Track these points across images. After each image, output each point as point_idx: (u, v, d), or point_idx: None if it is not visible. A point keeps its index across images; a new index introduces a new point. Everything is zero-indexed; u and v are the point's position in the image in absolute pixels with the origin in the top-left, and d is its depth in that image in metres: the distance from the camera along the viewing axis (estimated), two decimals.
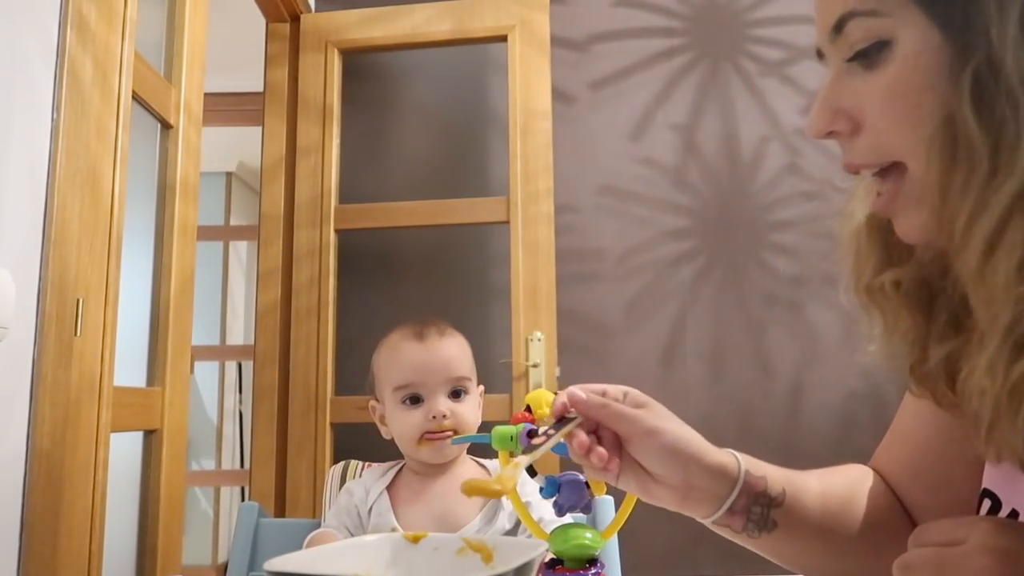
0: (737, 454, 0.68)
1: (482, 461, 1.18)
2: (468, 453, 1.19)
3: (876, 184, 0.58)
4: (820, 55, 0.61)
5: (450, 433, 1.11)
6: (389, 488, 1.14)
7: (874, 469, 0.77)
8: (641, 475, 0.66)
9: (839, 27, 0.55)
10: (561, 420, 0.66)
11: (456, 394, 1.14)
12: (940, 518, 0.70)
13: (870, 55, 0.54)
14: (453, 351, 1.15)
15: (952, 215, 0.51)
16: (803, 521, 0.68)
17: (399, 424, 1.13)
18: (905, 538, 0.70)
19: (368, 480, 1.16)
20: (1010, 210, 0.48)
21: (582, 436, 0.65)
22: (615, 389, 0.69)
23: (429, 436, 1.11)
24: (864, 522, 0.70)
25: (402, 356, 1.14)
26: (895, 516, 0.72)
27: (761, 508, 0.66)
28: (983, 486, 0.62)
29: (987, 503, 0.61)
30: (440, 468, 1.14)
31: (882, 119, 0.55)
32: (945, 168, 0.51)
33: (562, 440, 0.65)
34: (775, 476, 0.68)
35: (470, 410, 1.14)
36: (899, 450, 0.75)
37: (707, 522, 0.68)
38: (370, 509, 1.12)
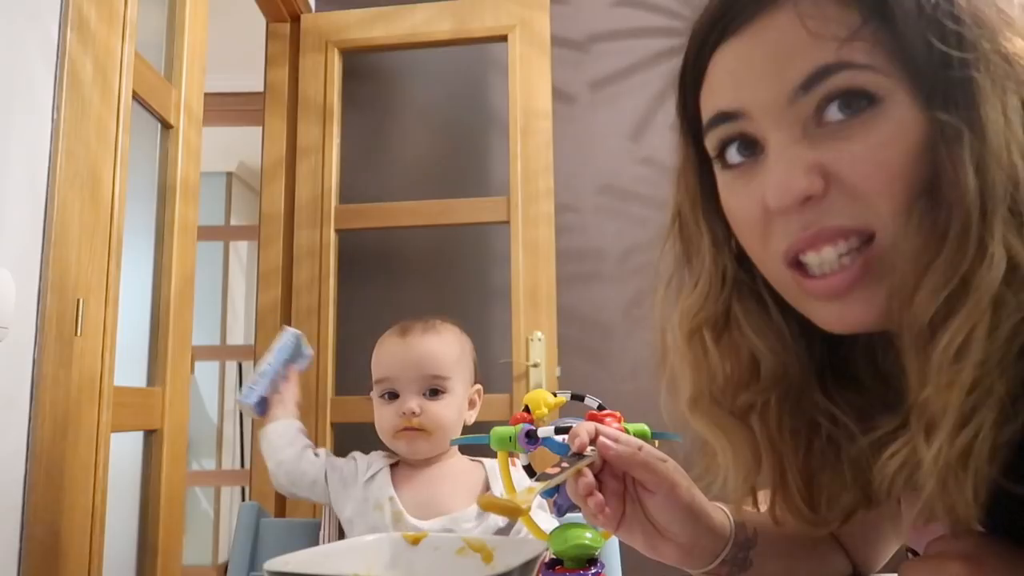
0: (724, 508, 0.70)
1: (476, 457, 1.17)
2: (465, 454, 1.19)
3: (833, 260, 0.51)
4: (725, 119, 0.54)
5: (420, 429, 1.10)
6: (391, 466, 1.15)
7: None
8: (649, 530, 0.66)
9: (815, 79, 0.50)
10: (577, 454, 0.66)
11: (434, 392, 1.12)
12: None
13: (854, 108, 0.50)
14: (433, 348, 1.13)
15: (927, 297, 0.46)
16: (771, 554, 0.71)
17: (378, 417, 1.14)
18: (836, 541, 0.75)
19: (372, 457, 1.17)
20: (998, 296, 0.44)
21: (591, 477, 0.64)
22: (629, 441, 0.67)
23: (402, 431, 1.11)
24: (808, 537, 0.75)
25: (383, 350, 1.15)
26: None
27: (744, 553, 0.69)
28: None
29: None
30: (430, 460, 1.14)
31: (868, 181, 0.49)
32: (927, 241, 0.47)
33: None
34: (747, 518, 0.71)
35: (444, 409, 1.12)
36: None
37: (696, 573, 0.70)
38: (369, 479, 1.12)
